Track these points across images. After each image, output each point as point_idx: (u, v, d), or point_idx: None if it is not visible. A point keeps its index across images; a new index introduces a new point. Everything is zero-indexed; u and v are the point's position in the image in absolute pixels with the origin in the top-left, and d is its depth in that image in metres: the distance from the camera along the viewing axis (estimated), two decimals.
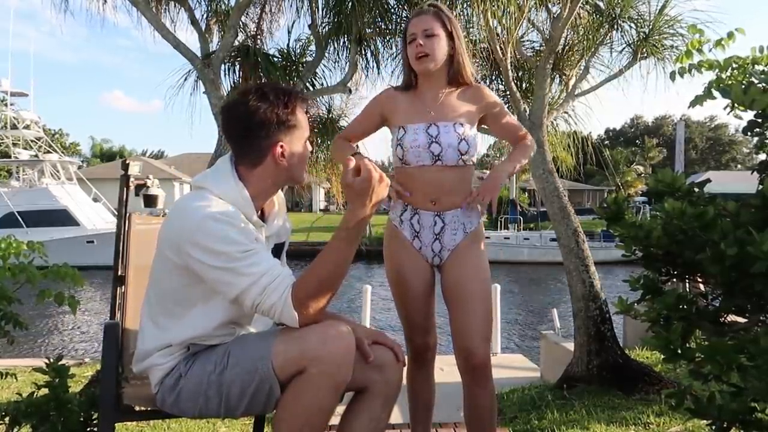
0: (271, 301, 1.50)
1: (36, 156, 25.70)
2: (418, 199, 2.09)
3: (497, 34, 3.90)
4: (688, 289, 1.60)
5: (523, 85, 4.76)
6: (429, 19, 2.04)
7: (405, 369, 1.80)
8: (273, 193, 1.74)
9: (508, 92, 4.34)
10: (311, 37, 4.80)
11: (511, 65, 4.17)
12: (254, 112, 1.60)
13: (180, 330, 1.62)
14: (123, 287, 2.06)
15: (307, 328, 1.55)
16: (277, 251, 1.83)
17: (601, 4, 4.35)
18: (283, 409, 1.53)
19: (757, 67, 1.72)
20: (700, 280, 1.45)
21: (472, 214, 2.12)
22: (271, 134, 1.62)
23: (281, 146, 1.64)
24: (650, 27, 4.33)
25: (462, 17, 3.87)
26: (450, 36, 2.07)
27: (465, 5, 3.73)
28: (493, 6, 3.53)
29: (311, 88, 4.91)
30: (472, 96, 2.14)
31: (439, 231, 2.09)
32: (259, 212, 1.71)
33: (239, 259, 1.50)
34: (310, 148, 1.75)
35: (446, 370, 3.95)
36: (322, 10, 4.56)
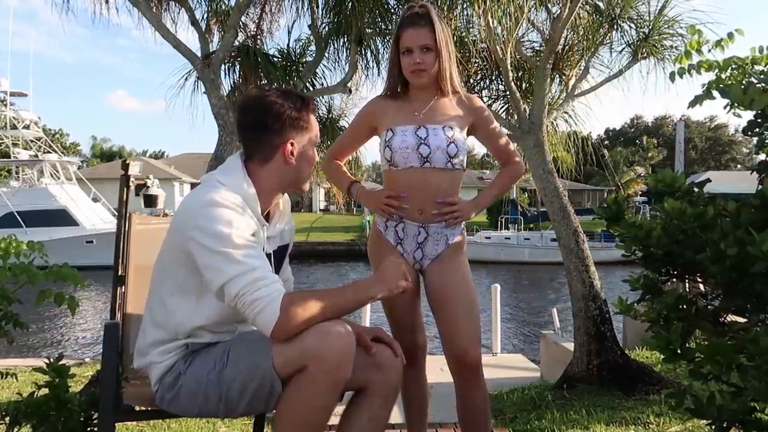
0: (259, 294, 1.48)
1: (35, 156, 25.70)
2: (405, 209, 2.07)
3: (497, 34, 3.90)
4: (688, 289, 1.60)
5: (523, 85, 4.76)
6: (425, 33, 2.01)
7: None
8: (277, 193, 1.75)
9: (508, 92, 4.34)
10: (311, 37, 4.80)
11: (511, 65, 4.17)
12: (271, 105, 1.66)
13: (174, 322, 1.63)
14: (123, 287, 2.06)
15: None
16: (280, 253, 1.83)
17: (601, 4, 4.35)
18: (283, 407, 1.53)
19: (756, 67, 1.72)
20: (700, 280, 1.45)
21: (456, 226, 2.12)
22: (284, 130, 1.67)
23: (291, 144, 1.68)
24: (650, 27, 4.33)
25: (462, 17, 3.87)
26: (439, 46, 2.03)
27: (465, 5, 3.72)
28: (494, 6, 3.53)
29: (311, 88, 4.91)
30: (462, 102, 2.14)
31: (422, 240, 2.10)
32: (265, 213, 1.72)
33: (236, 246, 1.50)
34: (317, 157, 1.79)
35: (446, 370, 3.93)
36: (322, 10, 4.56)
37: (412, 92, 2.13)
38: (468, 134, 2.16)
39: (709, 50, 1.84)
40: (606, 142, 49.86)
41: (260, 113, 1.67)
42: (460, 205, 2.08)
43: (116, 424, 1.78)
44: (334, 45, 4.69)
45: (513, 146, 2.27)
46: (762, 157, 1.56)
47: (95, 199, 24.86)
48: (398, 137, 2.05)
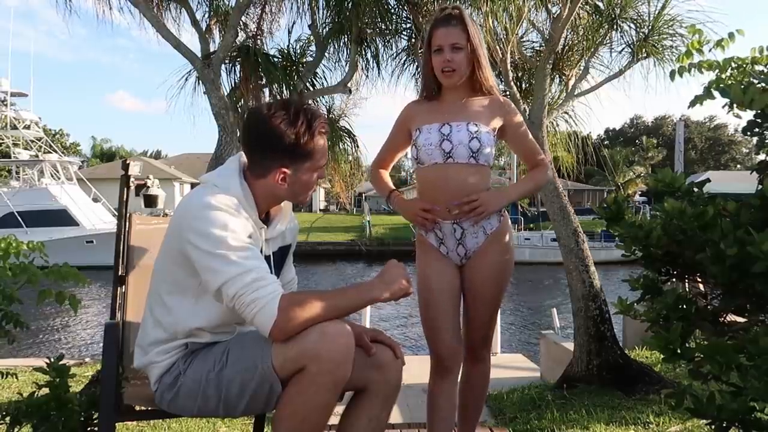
0: (257, 295, 1.48)
1: (36, 156, 25.70)
2: (437, 212, 2.10)
3: (497, 34, 3.90)
4: (688, 289, 1.60)
5: (523, 85, 4.76)
6: (456, 33, 2.03)
7: (403, 368, 1.79)
8: (273, 204, 1.75)
9: (507, 92, 4.34)
10: (311, 37, 4.80)
11: (511, 65, 4.18)
12: (273, 130, 1.59)
13: (172, 321, 1.63)
14: (123, 287, 2.06)
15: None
16: (282, 254, 1.83)
17: (600, 4, 4.35)
18: (283, 407, 1.53)
19: (756, 67, 1.72)
20: (700, 280, 1.45)
21: (492, 216, 2.12)
22: (277, 157, 1.63)
23: (283, 172, 1.64)
24: (650, 27, 4.33)
25: None
26: (473, 45, 2.06)
27: (465, 5, 3.72)
28: (494, 6, 3.53)
29: (311, 88, 4.91)
30: (494, 105, 2.15)
31: (461, 236, 2.12)
32: (263, 215, 1.72)
33: (232, 248, 1.50)
34: (319, 176, 1.74)
35: None
36: (322, 11, 4.56)
37: (444, 94, 2.16)
38: (499, 137, 2.18)
39: (710, 50, 1.84)
40: (606, 142, 49.81)
41: (261, 134, 1.63)
42: (480, 198, 2.05)
43: (116, 424, 1.78)
44: (334, 45, 4.69)
45: (537, 148, 2.25)
46: (762, 156, 1.56)
47: (95, 199, 24.87)
48: (423, 135, 2.10)
